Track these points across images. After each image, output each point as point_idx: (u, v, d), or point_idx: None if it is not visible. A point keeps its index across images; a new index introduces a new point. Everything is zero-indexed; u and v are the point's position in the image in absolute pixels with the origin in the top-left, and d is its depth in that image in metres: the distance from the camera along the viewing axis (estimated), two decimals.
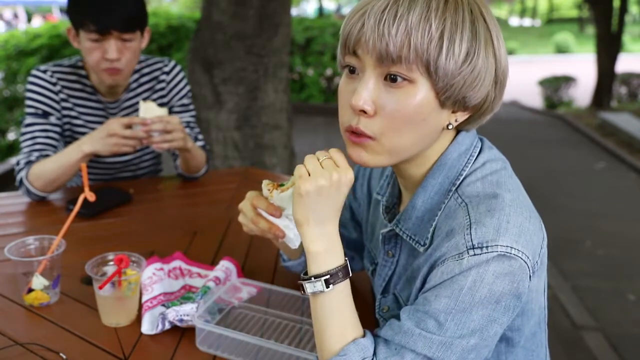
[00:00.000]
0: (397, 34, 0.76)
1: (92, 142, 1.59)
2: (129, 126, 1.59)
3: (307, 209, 0.83)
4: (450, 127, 0.85)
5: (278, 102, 3.67)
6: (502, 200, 0.81)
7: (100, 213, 1.66)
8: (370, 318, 1.04)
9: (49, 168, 1.64)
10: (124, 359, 1.03)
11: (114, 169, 1.96)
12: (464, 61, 0.78)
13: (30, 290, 1.17)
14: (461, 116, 0.85)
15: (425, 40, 0.76)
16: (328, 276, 0.83)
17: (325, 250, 0.84)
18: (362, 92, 0.80)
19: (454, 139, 0.89)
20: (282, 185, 0.98)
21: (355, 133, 0.83)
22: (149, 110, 1.64)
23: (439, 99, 0.80)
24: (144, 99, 1.90)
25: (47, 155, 1.71)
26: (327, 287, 0.83)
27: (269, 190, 0.98)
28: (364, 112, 0.81)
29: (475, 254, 0.77)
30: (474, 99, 0.82)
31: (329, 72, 8.39)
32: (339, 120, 0.88)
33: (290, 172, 3.80)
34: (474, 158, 0.89)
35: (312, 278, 0.83)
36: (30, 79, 1.79)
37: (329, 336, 0.83)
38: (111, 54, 1.65)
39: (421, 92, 0.79)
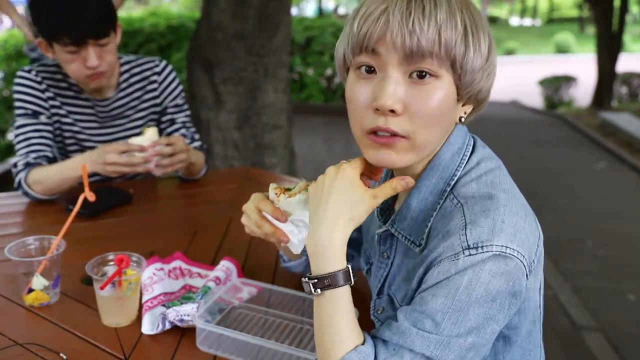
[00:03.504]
0: (428, 30, 0.76)
1: (91, 165, 1.59)
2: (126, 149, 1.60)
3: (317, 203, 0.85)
4: (462, 120, 0.87)
5: (278, 102, 3.68)
6: (497, 200, 0.81)
7: (100, 213, 1.66)
8: (369, 319, 1.04)
9: (50, 178, 1.65)
10: (125, 359, 1.03)
11: None
12: (487, 56, 0.81)
13: (30, 290, 1.17)
14: (468, 109, 0.87)
15: (454, 36, 0.78)
16: (330, 278, 0.83)
17: (329, 253, 0.83)
18: (389, 91, 0.79)
19: (447, 139, 0.89)
20: (289, 189, 0.98)
21: (379, 134, 0.82)
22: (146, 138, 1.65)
23: (460, 93, 0.82)
24: (135, 105, 1.89)
25: (45, 156, 1.71)
26: (328, 289, 0.83)
27: (276, 194, 0.97)
28: (392, 111, 0.80)
29: (470, 254, 0.77)
30: (486, 92, 0.86)
31: (329, 72, 8.38)
32: (353, 125, 0.86)
33: (290, 172, 3.81)
34: (467, 157, 0.89)
35: (316, 279, 0.83)
36: (16, 80, 1.78)
37: (330, 341, 0.82)
38: (92, 62, 1.64)
39: (445, 87, 0.80)
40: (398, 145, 0.82)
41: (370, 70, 0.82)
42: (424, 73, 0.79)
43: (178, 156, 1.66)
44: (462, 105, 0.86)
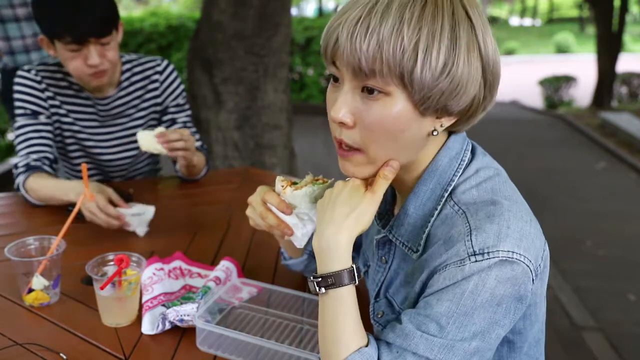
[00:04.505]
0: (368, 49, 0.75)
1: (77, 195, 1.50)
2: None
3: (326, 205, 0.87)
4: (435, 133, 0.84)
5: (278, 102, 3.68)
6: (500, 206, 0.81)
7: None
8: (368, 322, 1.03)
9: (42, 191, 1.64)
10: (125, 359, 1.03)
11: (108, 170, 1.96)
12: (442, 72, 0.76)
13: (31, 290, 1.17)
14: (447, 121, 0.84)
15: (398, 53, 0.75)
16: (334, 277, 0.83)
17: (334, 252, 0.84)
18: (340, 104, 0.81)
19: (444, 144, 0.89)
20: (295, 183, 0.98)
21: (342, 146, 0.84)
22: (147, 140, 1.64)
23: (418, 109, 0.79)
24: (136, 105, 1.89)
25: (45, 157, 1.71)
26: (334, 287, 0.83)
27: (282, 186, 0.98)
28: (344, 123, 0.81)
29: (476, 260, 0.77)
30: (457, 106, 0.81)
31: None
32: None
33: (290, 172, 3.82)
34: (465, 163, 0.88)
35: (320, 278, 0.84)
36: (16, 79, 1.77)
37: (333, 341, 0.83)
38: (93, 60, 1.64)
39: (398, 104, 0.78)
40: (354, 159, 0.85)
41: (337, 79, 0.83)
42: (372, 89, 0.78)
43: (179, 143, 1.65)
44: (437, 118, 0.83)
